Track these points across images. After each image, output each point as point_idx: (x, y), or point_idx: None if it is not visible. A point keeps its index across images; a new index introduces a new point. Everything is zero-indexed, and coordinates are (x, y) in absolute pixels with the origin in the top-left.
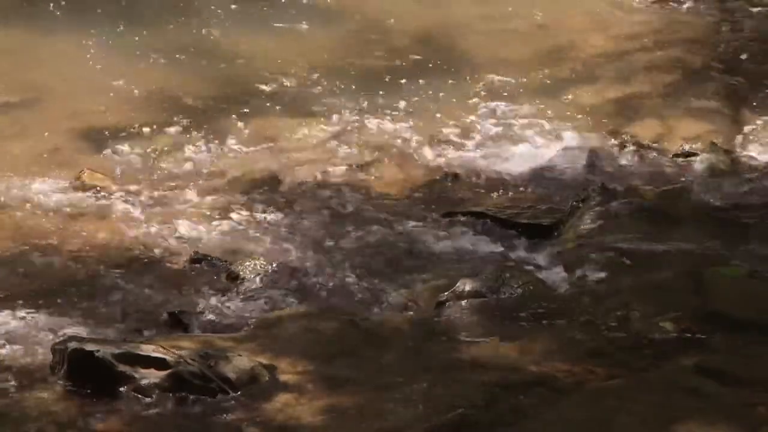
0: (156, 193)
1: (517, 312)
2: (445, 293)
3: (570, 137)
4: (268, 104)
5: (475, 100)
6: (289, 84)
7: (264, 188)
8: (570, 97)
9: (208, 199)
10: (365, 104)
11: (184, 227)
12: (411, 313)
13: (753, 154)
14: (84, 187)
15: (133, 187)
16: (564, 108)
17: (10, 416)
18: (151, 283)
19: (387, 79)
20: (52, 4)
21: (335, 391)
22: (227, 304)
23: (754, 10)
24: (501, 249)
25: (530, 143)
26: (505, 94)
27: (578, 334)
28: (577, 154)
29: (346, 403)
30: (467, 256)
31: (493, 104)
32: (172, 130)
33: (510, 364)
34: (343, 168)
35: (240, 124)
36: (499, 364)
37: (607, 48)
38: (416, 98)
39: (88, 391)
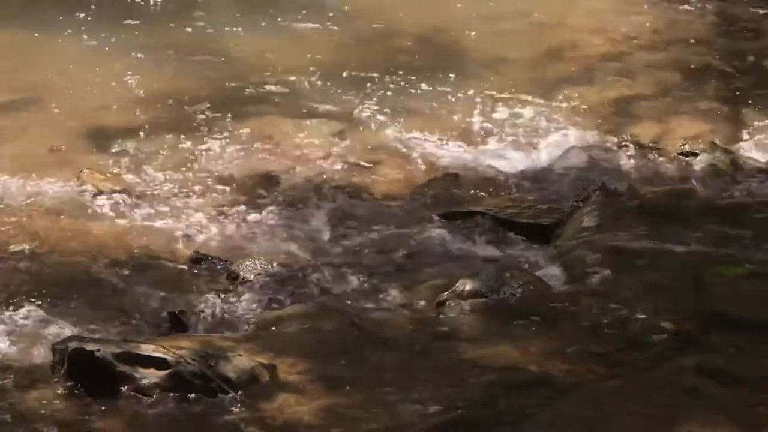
0: (156, 193)
1: (517, 312)
2: (445, 293)
3: (570, 137)
4: (268, 104)
5: (475, 99)
6: (289, 84)
7: (264, 188)
8: (570, 97)
9: (208, 198)
10: (365, 104)
11: (184, 227)
12: (411, 313)
13: (753, 154)
14: (84, 187)
15: (133, 187)
16: (564, 108)
17: (10, 416)
18: (151, 283)
19: (387, 79)
20: (52, 5)
21: (335, 391)
22: (227, 304)
23: (754, 10)
24: (501, 249)
25: (530, 143)
26: (505, 93)
27: (578, 334)
28: (577, 154)
29: (346, 403)
30: (467, 256)
31: (493, 104)
32: (172, 129)
33: (510, 364)
34: (343, 168)
35: (240, 124)
36: (499, 364)
37: (607, 48)
38: (416, 98)
39: (89, 390)
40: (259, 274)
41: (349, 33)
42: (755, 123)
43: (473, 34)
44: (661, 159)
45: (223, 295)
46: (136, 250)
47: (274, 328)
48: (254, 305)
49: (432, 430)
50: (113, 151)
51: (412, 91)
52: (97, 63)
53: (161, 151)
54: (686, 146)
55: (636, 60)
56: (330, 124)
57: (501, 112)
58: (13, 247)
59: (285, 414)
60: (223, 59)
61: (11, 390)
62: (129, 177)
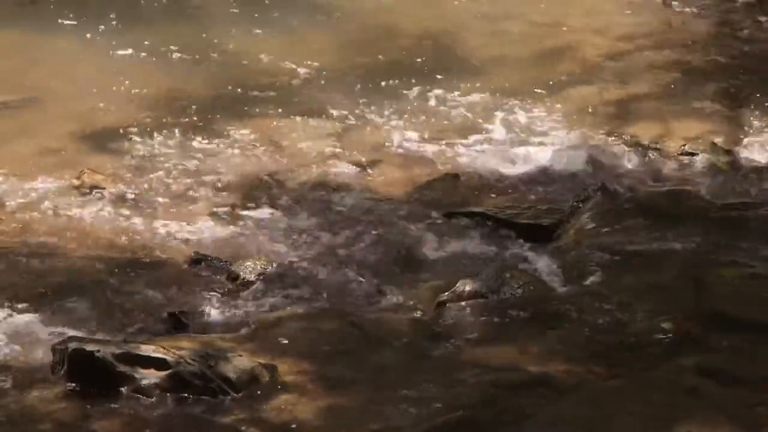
0: (156, 193)
1: (517, 312)
2: (446, 293)
3: (570, 137)
4: (268, 104)
5: (475, 99)
6: (289, 84)
7: (264, 188)
8: (570, 97)
9: (209, 198)
10: (365, 104)
11: (184, 227)
12: (411, 313)
13: (753, 154)
14: (84, 187)
15: (133, 188)
16: (564, 108)
17: (10, 416)
18: (151, 283)
19: (387, 79)
20: (52, 5)
21: (335, 391)
22: (227, 304)
23: (754, 10)
24: (501, 249)
25: (530, 143)
26: (505, 94)
27: (578, 334)
28: (577, 154)
29: (346, 403)
30: (467, 256)
31: (493, 104)
32: (172, 130)
33: (510, 364)
34: (343, 168)
35: (240, 124)
36: (499, 364)
37: (607, 48)
38: (416, 98)
39: (89, 391)
40: (259, 274)
41: (349, 33)
42: (755, 123)
43: (473, 34)
44: (661, 159)
45: (223, 296)
46: (136, 250)
47: (274, 328)
48: (254, 305)
49: (432, 430)
50: (113, 151)
51: (412, 90)
52: (97, 63)
53: (161, 151)
54: (686, 146)
55: (636, 60)
56: (330, 124)
57: (501, 112)
58: (13, 247)
59: (285, 414)
60: (223, 59)
61: (11, 390)
62: (129, 177)
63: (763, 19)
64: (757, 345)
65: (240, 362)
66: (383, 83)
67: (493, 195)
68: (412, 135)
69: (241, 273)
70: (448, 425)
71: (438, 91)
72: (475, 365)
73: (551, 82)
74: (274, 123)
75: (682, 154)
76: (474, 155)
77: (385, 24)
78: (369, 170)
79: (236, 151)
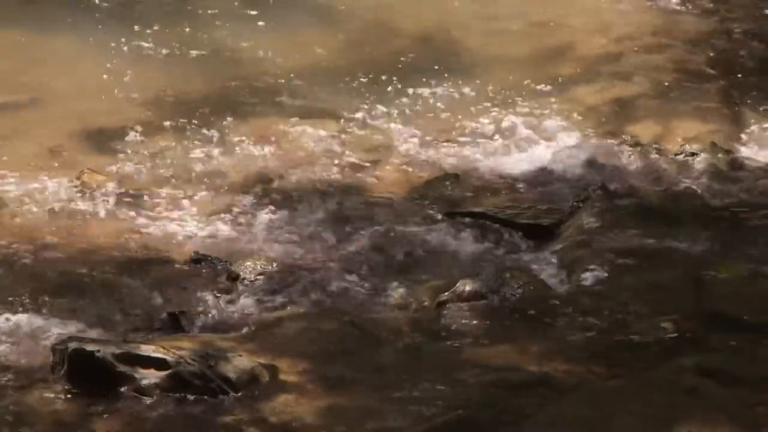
0: (156, 193)
1: (517, 312)
2: (446, 293)
3: (570, 137)
4: (268, 104)
5: (475, 100)
6: (289, 84)
7: (264, 188)
8: (570, 97)
9: (209, 199)
10: (365, 104)
11: (184, 227)
12: (411, 313)
13: (753, 154)
14: (84, 187)
15: (133, 187)
16: (564, 108)
17: (10, 416)
18: (151, 283)
19: (387, 79)
20: (52, 5)
21: (335, 391)
22: (227, 304)
23: (754, 10)
24: (501, 249)
25: (530, 143)
26: (505, 94)
27: (578, 334)
28: (577, 154)
29: (346, 403)
30: (467, 256)
31: (493, 104)
32: (172, 130)
33: (510, 364)
34: (343, 168)
35: (240, 124)
36: (499, 364)
37: (607, 48)
38: (416, 98)
39: (89, 391)
40: (259, 274)
41: (349, 33)
42: (755, 123)
43: (473, 34)
44: (661, 159)
45: (223, 296)
46: (136, 250)
47: (274, 328)
48: (254, 305)
49: (432, 430)
50: (113, 150)
51: (412, 91)
52: (96, 63)
53: (161, 151)
54: (686, 146)
55: (636, 60)
56: (330, 124)
57: (501, 112)
58: (13, 247)
59: (285, 414)
60: (223, 59)
61: (11, 390)
62: (129, 177)
63: (762, 18)
64: (757, 345)
65: (240, 362)
66: (383, 83)
67: (493, 195)
68: (412, 134)
69: (241, 273)
70: (448, 425)
71: (438, 91)
72: (475, 365)
73: (551, 82)
74: (274, 122)
75: (682, 154)
76: (474, 155)
77: (385, 23)
78: (369, 170)
79: (235, 150)
